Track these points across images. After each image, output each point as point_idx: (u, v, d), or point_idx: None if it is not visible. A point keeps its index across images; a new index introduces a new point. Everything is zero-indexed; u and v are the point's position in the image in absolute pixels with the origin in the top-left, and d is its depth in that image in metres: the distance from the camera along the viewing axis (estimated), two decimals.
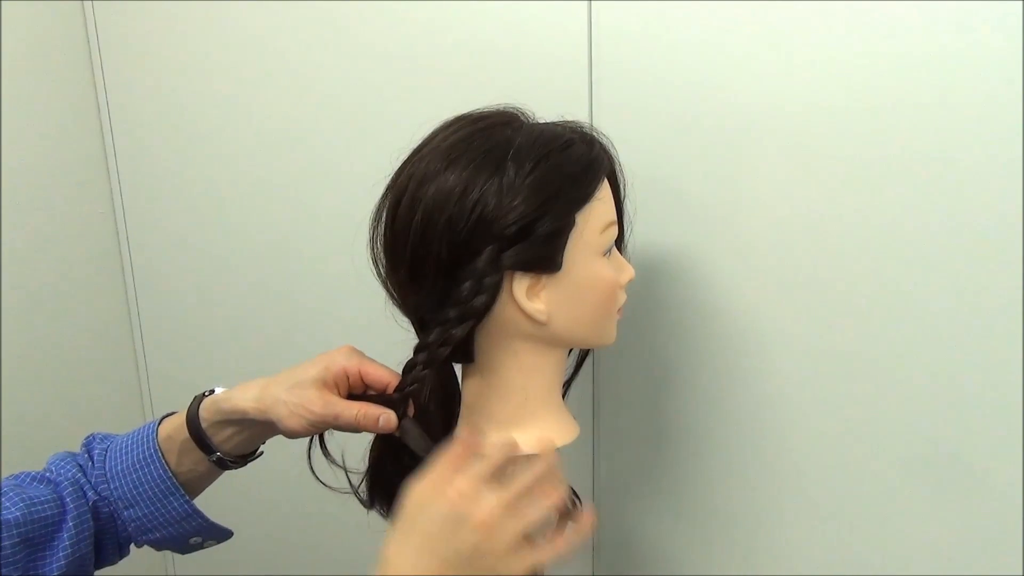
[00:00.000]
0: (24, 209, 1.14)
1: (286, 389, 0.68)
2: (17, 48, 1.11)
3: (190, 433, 0.72)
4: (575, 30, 0.81)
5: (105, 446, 0.73)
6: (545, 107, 0.69)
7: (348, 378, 0.70)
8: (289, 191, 1.08)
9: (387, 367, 0.70)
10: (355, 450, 0.73)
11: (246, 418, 0.70)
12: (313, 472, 0.71)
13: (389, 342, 0.69)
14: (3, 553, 0.64)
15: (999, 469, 0.69)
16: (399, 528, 0.56)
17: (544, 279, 0.64)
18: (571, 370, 0.77)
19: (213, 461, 0.73)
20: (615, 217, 0.68)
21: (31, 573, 0.66)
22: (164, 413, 0.76)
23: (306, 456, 0.72)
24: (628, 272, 0.70)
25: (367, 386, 0.70)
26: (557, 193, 0.62)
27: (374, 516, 0.73)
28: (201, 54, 1.11)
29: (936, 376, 0.70)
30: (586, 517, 0.60)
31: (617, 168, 0.70)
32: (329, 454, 0.71)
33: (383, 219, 0.66)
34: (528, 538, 0.56)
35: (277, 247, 1.12)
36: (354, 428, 0.68)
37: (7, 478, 0.70)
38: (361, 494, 0.73)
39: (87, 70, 1.20)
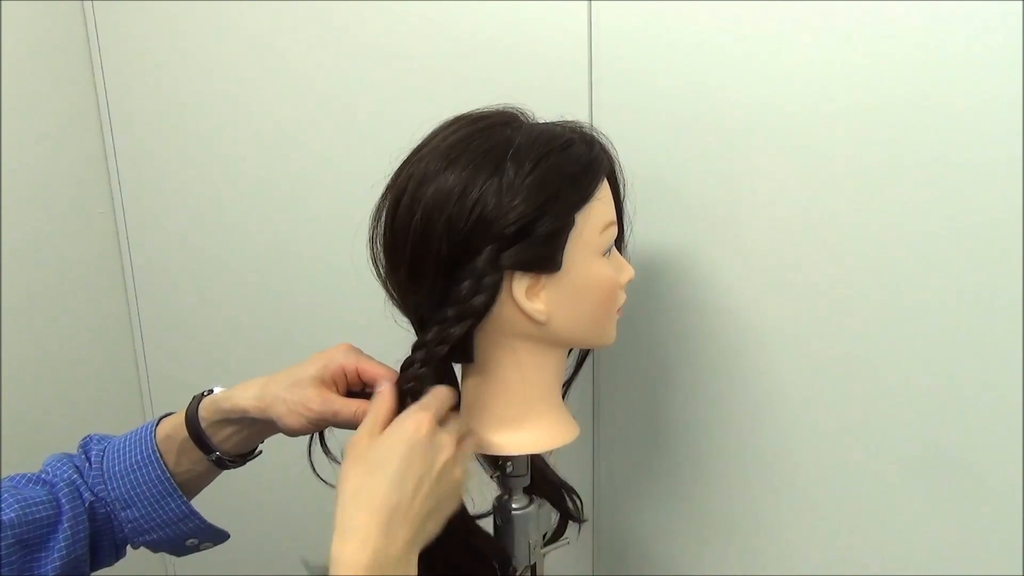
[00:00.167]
0: (24, 209, 1.14)
1: (285, 387, 0.68)
2: (17, 48, 1.11)
3: (189, 433, 0.72)
4: (575, 30, 0.81)
5: (103, 447, 0.73)
6: (545, 107, 0.69)
7: (346, 376, 0.70)
8: (289, 191, 1.08)
9: (385, 365, 0.70)
10: None
11: (246, 417, 0.71)
12: (314, 469, 0.71)
13: (388, 342, 0.69)
14: None
15: (999, 469, 0.69)
16: (361, 468, 0.59)
17: (544, 279, 0.64)
18: (571, 370, 0.77)
19: (212, 460, 0.73)
20: (615, 217, 0.68)
21: (26, 574, 0.66)
22: (162, 413, 0.76)
23: (301, 457, 0.72)
24: (628, 272, 0.70)
25: (365, 384, 0.70)
26: (557, 193, 0.62)
27: None
28: (201, 54, 1.11)
29: (936, 376, 0.70)
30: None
31: (617, 168, 0.70)
32: (329, 451, 0.71)
33: (383, 219, 0.66)
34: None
35: (277, 247, 1.12)
36: (353, 425, 0.68)
37: (2, 480, 0.70)
38: None
39: (87, 70, 1.20)
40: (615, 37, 0.80)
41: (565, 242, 0.63)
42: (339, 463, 0.70)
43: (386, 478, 0.58)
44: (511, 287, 0.63)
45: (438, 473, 0.60)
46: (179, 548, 0.75)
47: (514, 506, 0.76)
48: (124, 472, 0.71)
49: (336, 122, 1.01)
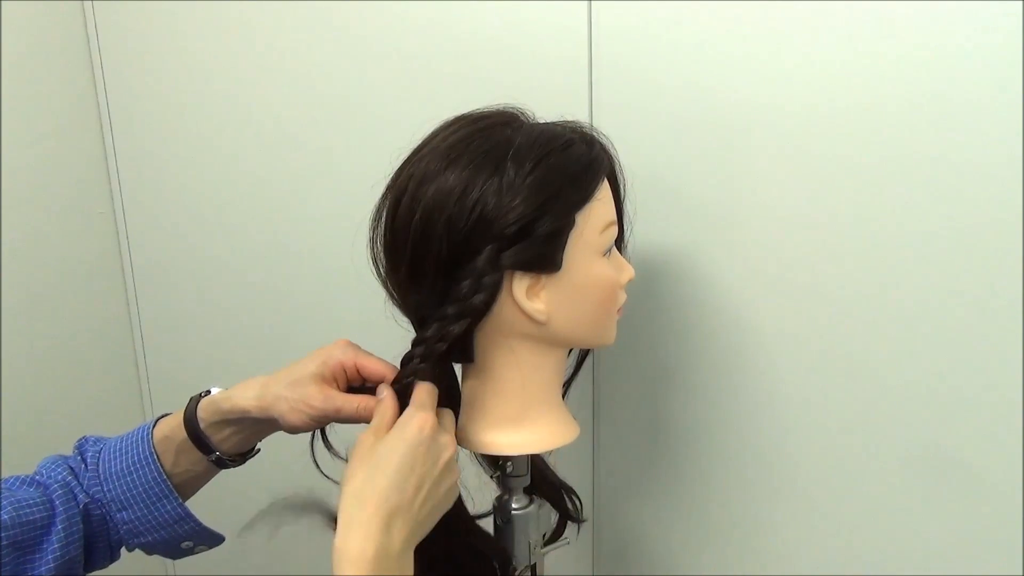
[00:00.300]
0: (24, 209, 1.14)
1: (285, 386, 0.69)
2: (17, 48, 1.11)
3: (188, 434, 0.72)
4: (575, 30, 0.81)
5: (98, 448, 0.73)
6: (545, 107, 0.69)
7: (346, 372, 0.70)
8: (289, 191, 1.08)
9: (383, 360, 0.70)
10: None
11: (247, 417, 0.71)
12: (317, 465, 0.71)
13: (388, 341, 0.69)
14: None
15: (999, 469, 0.69)
16: (366, 467, 0.60)
17: (544, 279, 0.64)
18: (571, 370, 0.77)
19: (212, 460, 0.73)
20: (615, 217, 0.68)
21: None
22: (159, 415, 0.76)
23: (300, 456, 0.72)
24: (628, 272, 0.70)
25: (364, 379, 0.71)
26: (557, 193, 0.62)
27: None
28: (201, 54, 1.11)
29: (936, 376, 0.70)
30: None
31: (617, 168, 0.70)
32: (331, 446, 0.72)
33: (383, 219, 0.66)
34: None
35: (277, 247, 1.12)
36: (355, 420, 0.68)
37: None
38: None
39: (87, 70, 1.20)
40: (615, 37, 0.80)
41: (565, 242, 0.63)
42: (341, 457, 0.71)
43: (389, 478, 0.59)
44: (511, 287, 0.63)
45: (439, 473, 0.62)
46: (174, 551, 0.75)
47: (514, 506, 0.76)
48: (120, 473, 0.71)
49: (336, 122, 1.01)
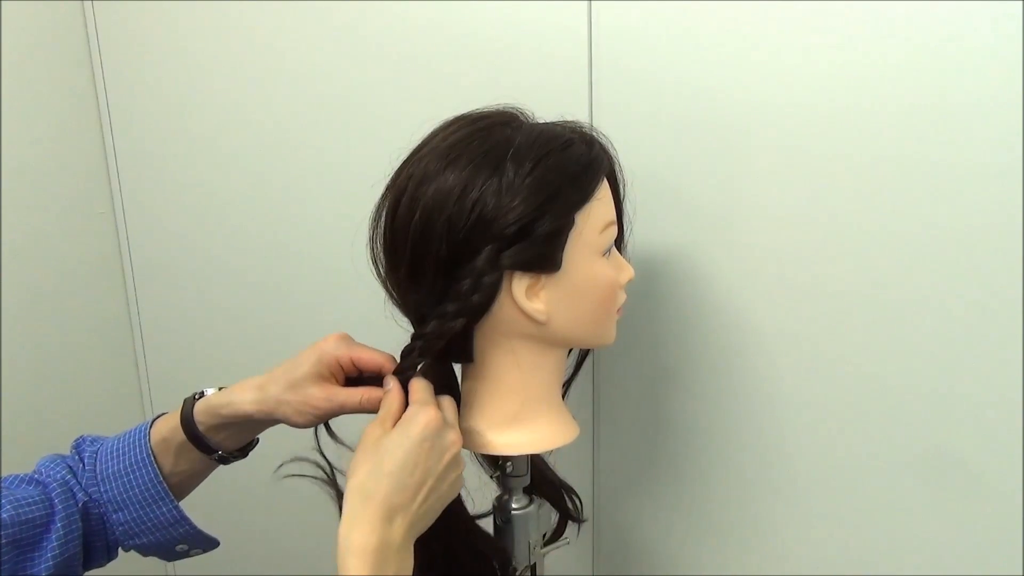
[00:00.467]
0: (24, 209, 1.14)
1: (285, 389, 0.69)
2: (17, 48, 1.11)
3: (187, 437, 0.72)
4: (575, 30, 0.81)
5: (95, 448, 0.73)
6: (545, 107, 0.69)
7: (342, 367, 0.70)
8: (289, 191, 1.08)
9: (378, 351, 0.70)
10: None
11: (250, 420, 0.71)
12: (323, 455, 0.71)
13: (388, 341, 0.69)
14: None
15: (999, 470, 0.69)
16: (373, 461, 0.61)
17: (543, 279, 0.64)
18: (571, 370, 0.77)
19: (214, 459, 0.73)
20: (615, 217, 0.68)
21: (19, 574, 0.66)
22: (155, 415, 0.75)
23: (286, 461, 0.72)
24: (628, 272, 0.70)
25: (361, 371, 0.71)
26: (556, 193, 0.62)
27: None
28: (201, 54, 1.11)
29: (935, 375, 0.70)
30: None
31: (617, 168, 0.70)
32: (336, 436, 0.72)
33: (383, 219, 0.66)
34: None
35: (277, 247, 1.12)
36: (359, 411, 0.69)
37: None
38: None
39: (87, 70, 1.20)
40: (615, 37, 0.80)
41: (565, 242, 0.63)
42: (346, 446, 0.71)
43: (393, 475, 0.60)
44: (511, 287, 0.63)
45: (444, 469, 0.63)
46: (169, 553, 0.75)
47: (514, 506, 0.76)
48: (117, 475, 0.71)
49: (336, 122, 1.01)
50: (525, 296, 0.63)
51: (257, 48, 1.05)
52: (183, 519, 0.73)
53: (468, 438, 0.70)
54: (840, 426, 0.76)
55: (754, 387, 0.80)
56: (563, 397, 0.74)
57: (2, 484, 0.69)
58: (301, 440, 0.72)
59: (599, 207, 0.65)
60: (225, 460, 0.74)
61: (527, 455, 0.74)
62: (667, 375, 0.85)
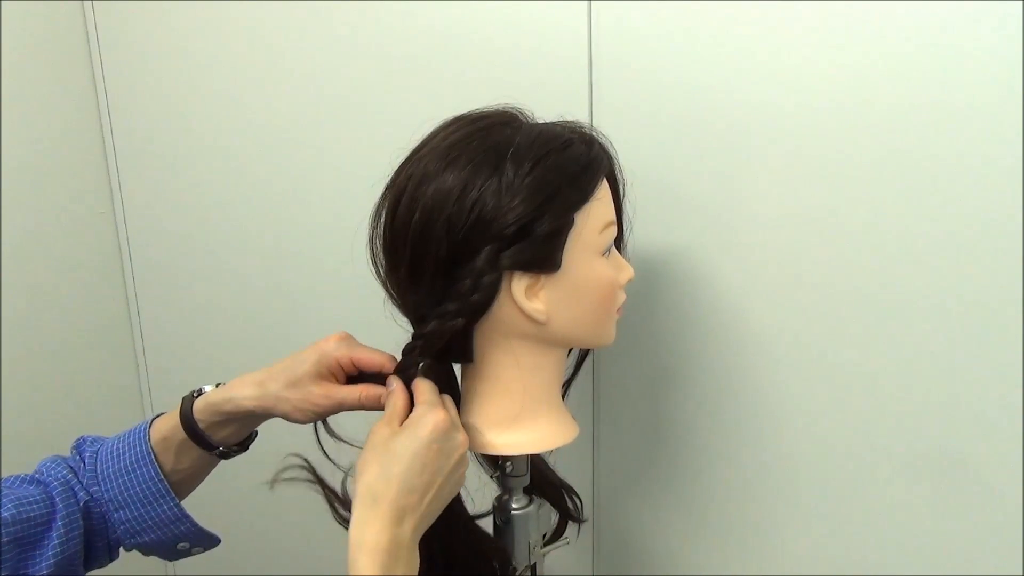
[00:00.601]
0: (24, 209, 1.14)
1: (285, 387, 0.69)
2: (17, 48, 1.11)
3: (188, 434, 0.72)
4: (575, 30, 0.81)
5: (96, 448, 0.73)
6: (545, 107, 0.69)
7: (342, 367, 0.71)
8: (289, 191, 1.09)
9: (378, 350, 0.71)
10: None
11: (250, 415, 0.72)
12: (325, 454, 0.72)
13: (388, 342, 0.69)
14: None
15: (999, 470, 0.69)
16: (381, 460, 0.62)
17: (543, 279, 0.64)
18: (571, 370, 0.77)
19: (216, 455, 0.74)
20: (614, 217, 0.68)
21: (20, 572, 0.66)
22: (154, 415, 0.76)
23: (283, 459, 0.72)
24: (627, 272, 0.70)
25: (361, 371, 0.71)
26: (556, 193, 0.62)
27: None
28: (201, 54, 1.11)
29: (936, 375, 0.70)
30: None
31: (616, 168, 0.70)
32: (334, 433, 0.72)
33: (382, 219, 0.66)
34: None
35: (277, 247, 1.12)
36: (359, 408, 0.70)
37: None
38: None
39: (87, 70, 1.20)
40: (615, 37, 0.80)
41: (564, 242, 0.63)
42: (345, 442, 0.72)
43: (402, 477, 0.61)
44: (510, 287, 0.63)
45: (451, 469, 0.64)
46: (170, 552, 0.75)
47: (514, 506, 0.76)
48: (117, 474, 0.71)
49: (336, 122, 1.01)
50: (525, 296, 0.63)
51: (257, 48, 1.05)
52: (184, 517, 0.73)
53: (468, 438, 0.70)
54: (840, 426, 0.76)
55: (754, 387, 0.80)
56: (563, 397, 0.74)
57: (3, 484, 0.70)
58: (301, 438, 0.72)
59: (599, 207, 0.65)
60: (226, 455, 0.75)
61: (527, 455, 0.74)
62: (667, 375, 0.85)
